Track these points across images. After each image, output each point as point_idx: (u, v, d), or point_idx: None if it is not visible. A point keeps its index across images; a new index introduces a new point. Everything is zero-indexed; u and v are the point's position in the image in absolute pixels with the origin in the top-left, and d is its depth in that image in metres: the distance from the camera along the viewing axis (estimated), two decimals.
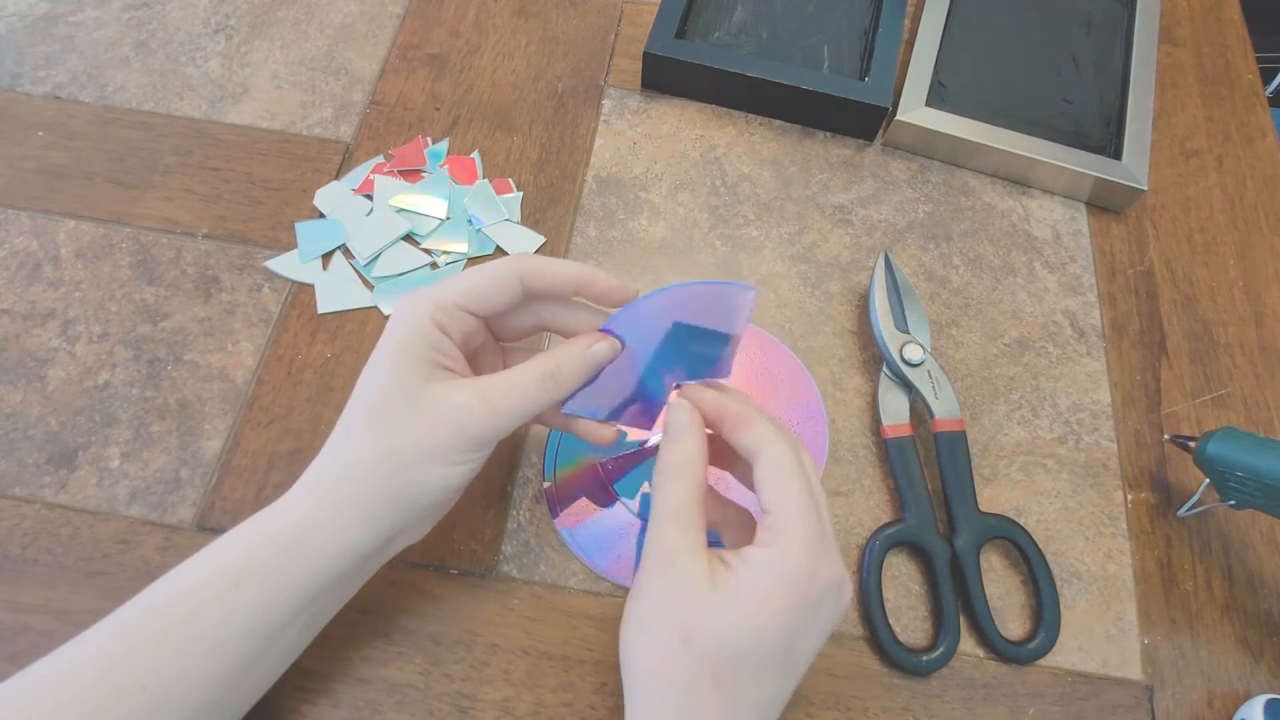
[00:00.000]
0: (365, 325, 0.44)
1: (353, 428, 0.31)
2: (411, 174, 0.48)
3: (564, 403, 0.32)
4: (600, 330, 0.31)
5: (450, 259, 0.46)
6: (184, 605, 0.29)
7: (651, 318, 0.31)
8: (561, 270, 0.31)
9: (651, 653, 0.27)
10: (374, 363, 0.31)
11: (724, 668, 0.26)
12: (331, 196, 0.47)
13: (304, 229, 0.46)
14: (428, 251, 0.46)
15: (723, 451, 0.32)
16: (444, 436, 0.29)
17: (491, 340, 0.34)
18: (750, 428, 0.30)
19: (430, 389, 0.30)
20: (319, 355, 0.43)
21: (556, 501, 0.39)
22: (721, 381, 0.33)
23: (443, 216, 0.47)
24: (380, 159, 0.49)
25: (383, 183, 0.48)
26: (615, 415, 0.33)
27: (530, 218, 0.48)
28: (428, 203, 0.47)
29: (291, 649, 0.32)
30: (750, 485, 0.34)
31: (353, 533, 0.30)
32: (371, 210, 0.47)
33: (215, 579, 0.29)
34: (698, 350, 0.32)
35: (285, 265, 0.45)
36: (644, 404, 0.33)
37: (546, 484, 0.40)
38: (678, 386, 0.32)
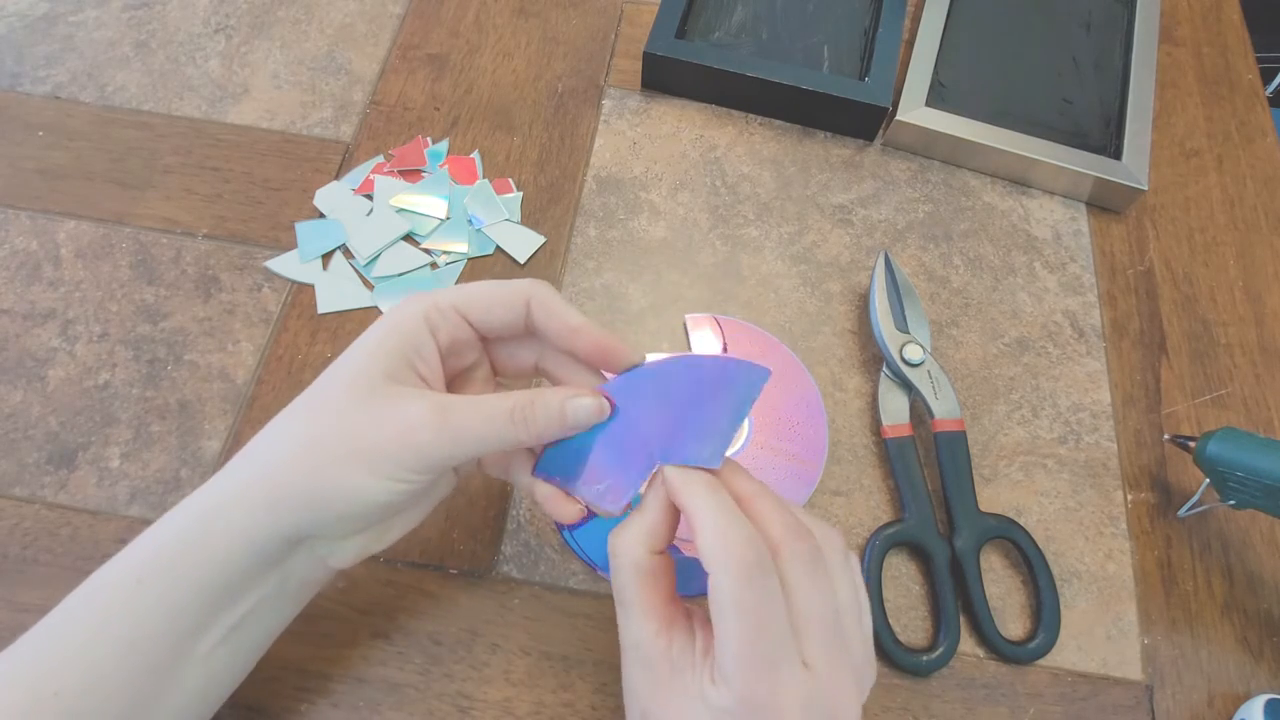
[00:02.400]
0: (365, 325, 0.43)
1: (291, 411, 0.28)
2: (411, 174, 0.48)
3: (537, 462, 0.31)
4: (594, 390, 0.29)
5: (450, 259, 0.46)
6: (96, 605, 0.27)
7: (648, 386, 0.29)
8: (568, 313, 0.29)
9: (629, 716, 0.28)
10: (349, 349, 0.28)
11: None
12: (331, 196, 0.47)
13: (304, 229, 0.46)
14: (428, 251, 0.46)
15: None
16: (381, 441, 0.26)
17: (489, 371, 0.32)
18: (698, 537, 0.26)
19: (387, 387, 0.27)
20: (319, 355, 0.43)
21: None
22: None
23: (443, 216, 0.47)
24: (380, 159, 0.49)
25: (383, 183, 0.48)
26: (585, 489, 0.30)
27: (530, 218, 0.48)
28: (428, 203, 0.47)
29: (217, 672, 0.28)
30: None
31: (255, 521, 0.27)
32: (371, 210, 0.47)
33: (124, 574, 0.27)
34: (691, 432, 0.28)
35: (285, 265, 0.45)
36: (619, 480, 0.30)
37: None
38: (658, 470, 0.29)
